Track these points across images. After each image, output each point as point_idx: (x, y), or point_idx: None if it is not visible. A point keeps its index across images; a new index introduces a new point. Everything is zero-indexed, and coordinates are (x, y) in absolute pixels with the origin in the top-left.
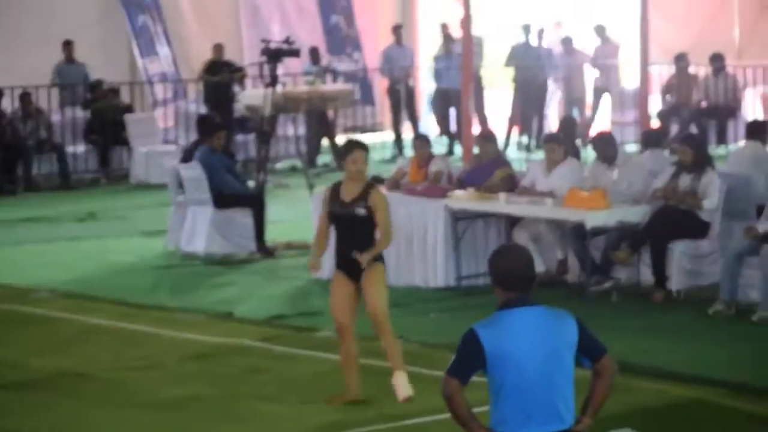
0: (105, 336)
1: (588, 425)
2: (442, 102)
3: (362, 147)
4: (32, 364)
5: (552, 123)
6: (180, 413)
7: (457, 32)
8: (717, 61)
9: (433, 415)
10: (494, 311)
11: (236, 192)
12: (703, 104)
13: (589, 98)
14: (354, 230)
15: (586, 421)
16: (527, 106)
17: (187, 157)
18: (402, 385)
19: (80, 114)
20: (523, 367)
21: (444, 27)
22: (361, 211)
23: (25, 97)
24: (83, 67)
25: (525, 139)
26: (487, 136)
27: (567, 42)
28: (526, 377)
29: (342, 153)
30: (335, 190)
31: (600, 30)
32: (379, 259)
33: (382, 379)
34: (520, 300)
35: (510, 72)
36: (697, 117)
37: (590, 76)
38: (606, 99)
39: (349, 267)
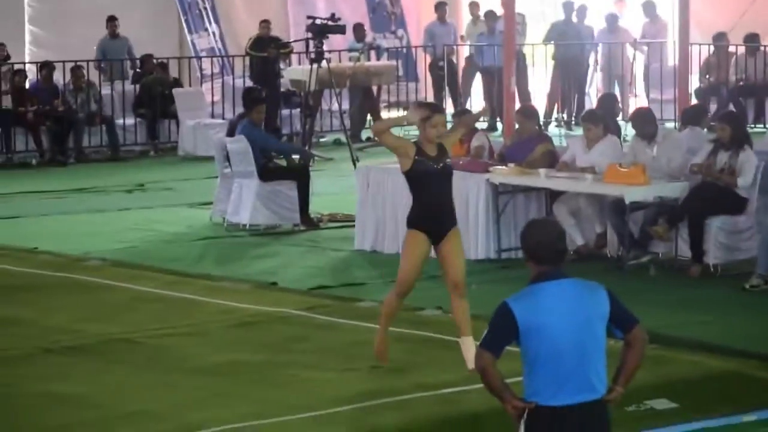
0: (153, 303)
1: (620, 394)
2: (485, 79)
3: (442, 111)
4: (82, 329)
5: (593, 100)
6: (224, 379)
7: (499, 10)
8: (752, 40)
9: (470, 385)
10: (528, 283)
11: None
12: (741, 83)
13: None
14: (445, 186)
15: (618, 390)
16: (567, 83)
17: (231, 130)
18: (471, 351)
19: (129, 87)
20: (556, 339)
21: (473, 6)
22: (449, 163)
23: (76, 71)
24: (126, 42)
25: (565, 116)
26: (527, 112)
27: (611, 19)
28: (558, 348)
29: (423, 118)
30: (419, 148)
31: (648, 7)
32: (456, 223)
33: (423, 348)
34: (552, 273)
35: (551, 49)
36: (735, 95)
37: (636, 54)
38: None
39: (436, 226)
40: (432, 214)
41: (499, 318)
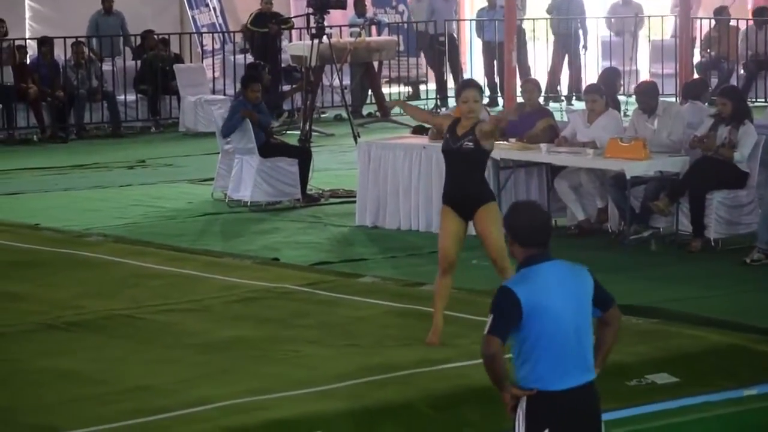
0: (155, 279)
1: (597, 373)
2: (486, 54)
3: (475, 86)
4: (84, 305)
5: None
6: (226, 354)
7: None
8: (761, 14)
9: (472, 360)
10: (518, 268)
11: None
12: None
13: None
14: (462, 166)
15: (597, 369)
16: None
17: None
18: None
19: (130, 64)
20: (559, 321)
21: None
22: (468, 144)
23: (76, 47)
24: (120, 18)
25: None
26: (531, 84)
27: None
28: (562, 330)
29: (456, 93)
30: (453, 125)
31: None
32: (491, 198)
33: (424, 323)
34: (543, 255)
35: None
36: (753, 70)
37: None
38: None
39: (458, 204)
40: (452, 191)
41: (503, 303)
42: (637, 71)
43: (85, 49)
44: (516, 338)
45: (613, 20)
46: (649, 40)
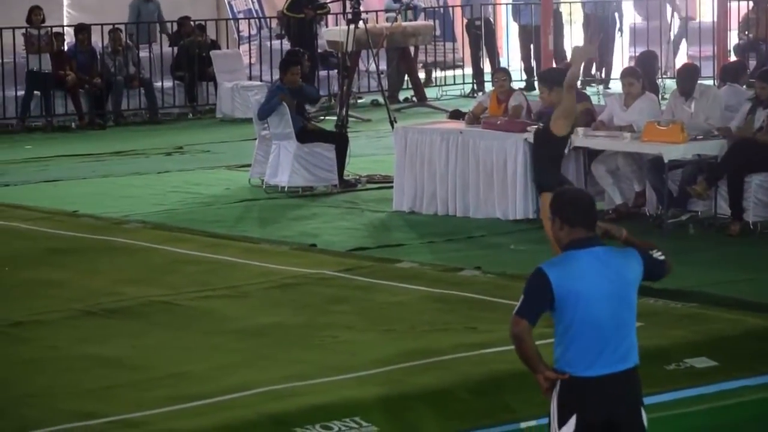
0: (193, 266)
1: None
2: (523, 39)
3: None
4: (123, 292)
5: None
6: (264, 340)
7: None
8: None
9: (509, 345)
10: (561, 251)
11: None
12: None
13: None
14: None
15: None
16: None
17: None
18: None
19: (167, 50)
20: (593, 306)
21: None
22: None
23: (113, 34)
24: (158, 5)
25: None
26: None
27: None
28: (595, 316)
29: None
30: None
31: None
32: (545, 188)
33: (462, 308)
34: (586, 241)
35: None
36: None
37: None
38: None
39: None
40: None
41: (534, 285)
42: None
43: (122, 36)
44: (554, 320)
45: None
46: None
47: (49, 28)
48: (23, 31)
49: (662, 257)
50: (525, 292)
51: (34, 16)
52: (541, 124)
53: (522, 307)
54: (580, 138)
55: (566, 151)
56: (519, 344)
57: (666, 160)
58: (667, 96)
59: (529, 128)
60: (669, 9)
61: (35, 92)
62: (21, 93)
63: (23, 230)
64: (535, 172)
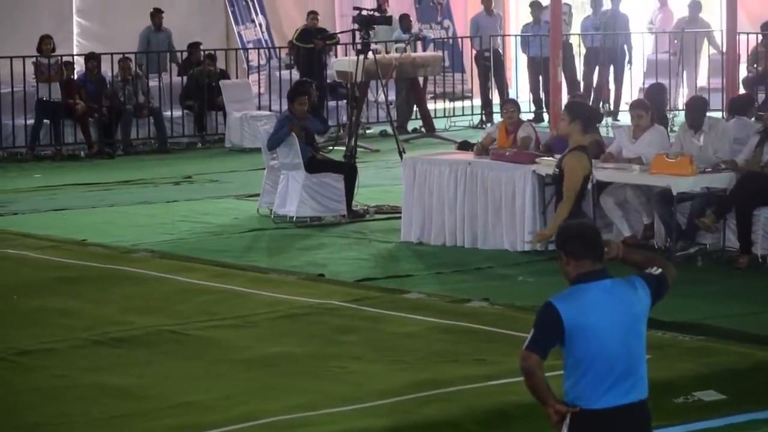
0: (201, 295)
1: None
2: (531, 70)
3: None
4: (131, 321)
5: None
6: (272, 370)
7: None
8: None
9: (516, 377)
10: (569, 285)
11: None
12: None
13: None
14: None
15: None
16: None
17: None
18: None
19: (177, 79)
20: (604, 340)
21: None
22: (555, 170)
23: (123, 63)
24: (169, 35)
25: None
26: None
27: (695, 7)
28: (607, 350)
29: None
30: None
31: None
32: None
33: (469, 339)
34: (594, 273)
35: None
36: None
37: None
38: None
39: None
40: None
41: (545, 318)
42: (683, 86)
43: (132, 65)
44: (562, 352)
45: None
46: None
47: (59, 57)
48: (33, 59)
49: (659, 271)
50: (535, 327)
51: (44, 45)
52: (557, 170)
53: (532, 342)
54: None
55: (588, 186)
56: (529, 378)
57: (675, 193)
58: (675, 128)
59: (537, 159)
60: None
61: (45, 121)
62: (30, 121)
63: (32, 259)
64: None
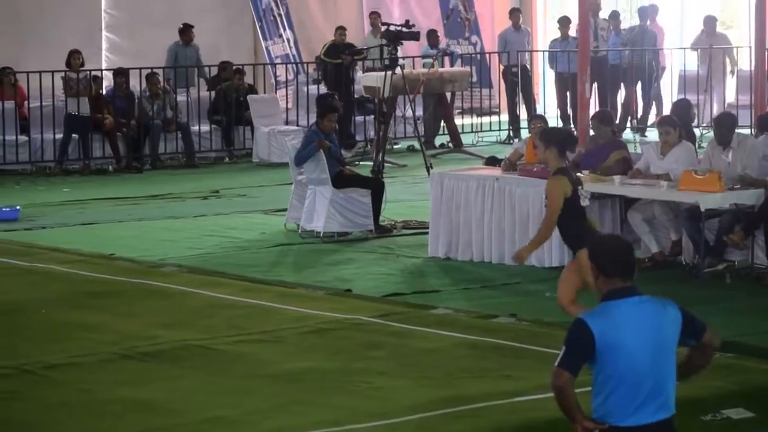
0: (228, 310)
1: (678, 382)
2: (559, 86)
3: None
4: (159, 336)
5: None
6: (299, 385)
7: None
8: None
9: (544, 393)
10: (599, 301)
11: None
12: None
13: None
14: None
15: (678, 380)
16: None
17: None
18: None
19: (204, 94)
20: (634, 358)
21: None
22: None
23: (151, 78)
24: (197, 50)
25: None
26: (603, 117)
27: (710, 22)
28: (637, 367)
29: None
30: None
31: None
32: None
33: (496, 355)
34: (625, 290)
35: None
36: None
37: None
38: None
39: None
40: None
41: (576, 336)
42: (711, 103)
43: (160, 80)
44: (592, 369)
45: (699, 52)
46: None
47: (88, 72)
48: (62, 74)
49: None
50: (566, 344)
51: (73, 59)
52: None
53: (564, 359)
54: (617, 186)
55: (583, 203)
56: (560, 396)
57: (703, 209)
58: (704, 145)
59: None
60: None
61: (73, 135)
62: (59, 136)
63: (60, 273)
64: (563, 233)
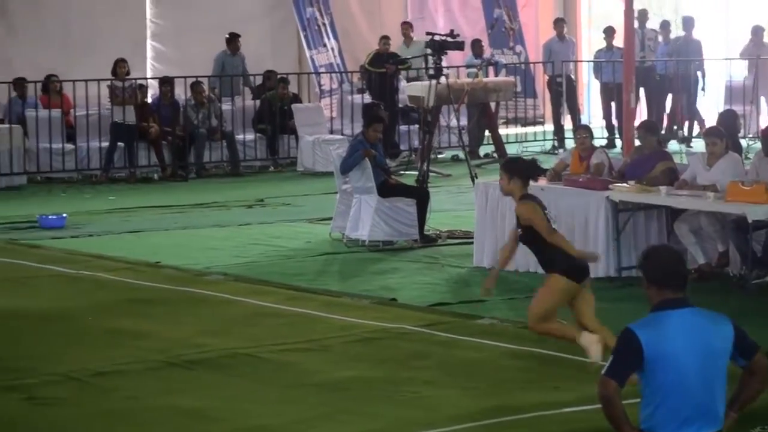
0: (274, 318)
1: (734, 420)
2: (604, 96)
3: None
4: (204, 344)
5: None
6: (344, 394)
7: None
8: None
9: (590, 404)
10: (649, 312)
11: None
12: None
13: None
14: None
15: (732, 415)
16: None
17: None
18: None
19: (249, 103)
20: (683, 370)
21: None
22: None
23: (196, 86)
24: (242, 59)
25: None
26: (649, 126)
27: (757, 31)
28: (685, 379)
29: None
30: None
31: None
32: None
33: (543, 365)
34: (676, 301)
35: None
36: None
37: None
38: None
39: None
40: None
41: (624, 345)
42: (758, 113)
43: (205, 89)
44: (641, 380)
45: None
46: None
47: (134, 81)
48: (108, 83)
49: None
50: (614, 353)
51: (119, 68)
52: (519, 229)
53: (611, 368)
54: (663, 197)
55: (553, 225)
56: (607, 405)
57: (750, 221)
58: (750, 156)
59: (611, 186)
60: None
61: (119, 143)
62: (105, 144)
63: (106, 280)
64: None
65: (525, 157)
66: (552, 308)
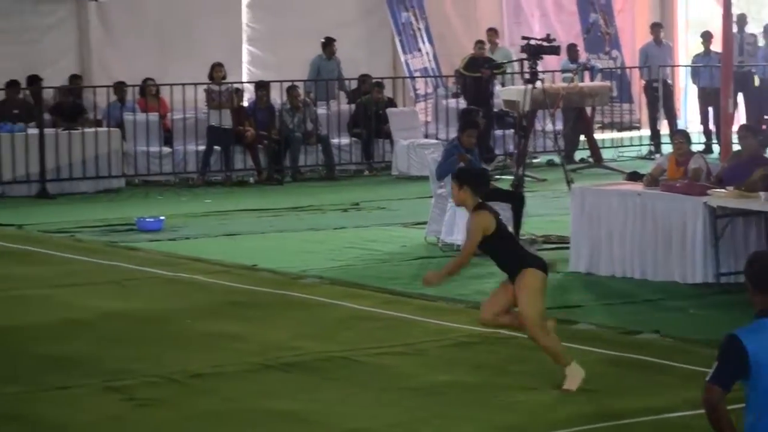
0: (369, 322)
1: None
2: (702, 101)
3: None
4: (301, 347)
5: None
6: (441, 399)
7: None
8: None
9: (696, 409)
10: (753, 318)
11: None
12: None
13: None
14: None
15: None
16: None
17: None
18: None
19: (344, 107)
20: None
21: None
22: None
23: (291, 90)
24: (338, 63)
25: None
26: (750, 128)
27: None
28: None
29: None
30: None
31: None
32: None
33: (640, 372)
34: None
35: None
36: None
37: None
38: None
39: None
40: None
41: (729, 351)
42: None
43: (301, 93)
44: (746, 387)
45: None
46: None
47: (230, 85)
48: (205, 87)
49: None
50: (719, 359)
51: (216, 72)
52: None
53: (716, 374)
54: (762, 202)
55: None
56: (712, 412)
57: None
58: None
59: (709, 191)
60: None
61: (215, 147)
62: (201, 147)
63: (203, 283)
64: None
65: (475, 168)
66: (543, 306)
